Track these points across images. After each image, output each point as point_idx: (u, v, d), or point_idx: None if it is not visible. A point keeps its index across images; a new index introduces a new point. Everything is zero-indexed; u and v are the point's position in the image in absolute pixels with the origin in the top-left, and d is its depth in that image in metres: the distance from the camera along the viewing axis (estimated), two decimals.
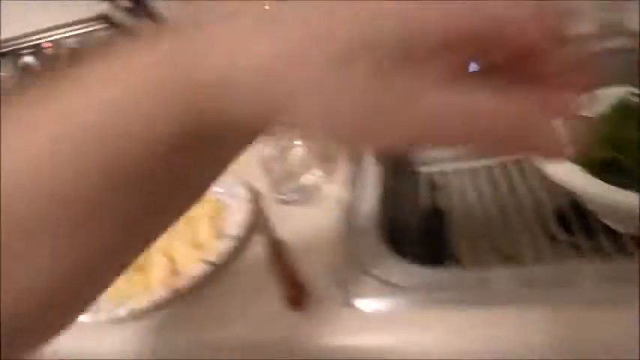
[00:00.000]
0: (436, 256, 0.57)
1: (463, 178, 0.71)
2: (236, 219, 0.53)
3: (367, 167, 0.58)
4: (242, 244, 0.51)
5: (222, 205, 0.56)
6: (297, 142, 0.56)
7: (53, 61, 0.83)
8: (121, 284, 0.48)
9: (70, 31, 0.81)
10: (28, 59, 0.82)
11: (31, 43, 0.83)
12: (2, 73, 0.86)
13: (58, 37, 0.82)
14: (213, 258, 0.49)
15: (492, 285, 0.40)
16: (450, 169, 0.72)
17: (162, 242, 0.50)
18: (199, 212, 0.54)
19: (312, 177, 0.55)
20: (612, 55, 0.57)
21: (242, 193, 0.56)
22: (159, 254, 0.51)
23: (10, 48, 0.84)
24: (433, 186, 0.71)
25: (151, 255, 0.51)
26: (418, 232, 0.64)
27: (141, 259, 0.49)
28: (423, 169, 0.74)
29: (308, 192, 0.56)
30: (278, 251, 0.49)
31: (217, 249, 0.50)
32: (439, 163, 0.74)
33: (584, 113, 0.38)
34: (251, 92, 0.14)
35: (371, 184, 0.56)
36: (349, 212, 0.53)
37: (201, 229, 0.53)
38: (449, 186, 0.71)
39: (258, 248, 0.51)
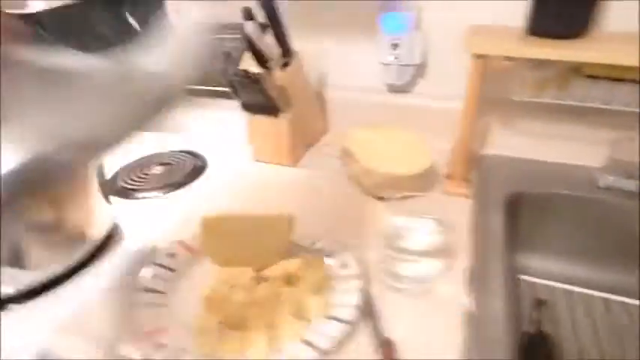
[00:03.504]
0: None
1: (574, 302, 0.62)
2: (346, 299, 0.45)
3: (490, 268, 0.50)
4: (350, 329, 0.43)
5: (332, 276, 0.48)
6: (423, 226, 0.50)
7: None
8: (215, 341, 0.42)
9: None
10: None
11: None
12: None
13: None
14: (319, 340, 0.41)
15: None
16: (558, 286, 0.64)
17: (265, 306, 0.44)
18: (308, 280, 0.47)
19: (430, 267, 0.48)
20: None
21: (353, 266, 0.48)
22: (259, 318, 0.43)
23: None
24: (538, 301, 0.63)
25: (250, 316, 0.43)
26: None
27: (239, 318, 0.44)
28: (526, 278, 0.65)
29: (424, 283, 0.49)
30: (387, 352, 0.41)
31: (324, 331, 0.42)
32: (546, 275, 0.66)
33: None
34: None
35: (495, 292, 0.48)
36: (472, 320, 0.44)
37: (308, 301, 0.45)
38: (556, 306, 0.63)
39: (363, 338, 0.43)
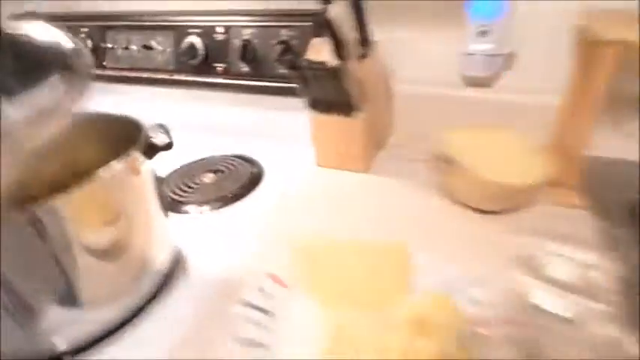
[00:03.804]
0: None
1: None
2: (493, 352, 0.35)
3: None
4: None
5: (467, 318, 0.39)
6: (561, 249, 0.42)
7: (222, 47, 0.71)
8: None
9: (250, 21, 0.70)
10: (194, 39, 0.71)
11: (203, 24, 0.72)
12: (157, 46, 0.74)
13: (233, 24, 0.71)
14: None
15: None
16: None
17: None
18: (443, 326, 0.37)
19: (579, 302, 0.40)
20: None
21: (487, 304, 0.39)
22: None
23: (179, 23, 0.74)
24: None
25: None
26: None
27: None
28: None
29: (575, 322, 0.40)
30: None
31: None
32: None
33: None
34: None
35: None
36: None
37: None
38: None
39: None
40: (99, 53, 0.79)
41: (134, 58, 0.77)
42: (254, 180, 0.64)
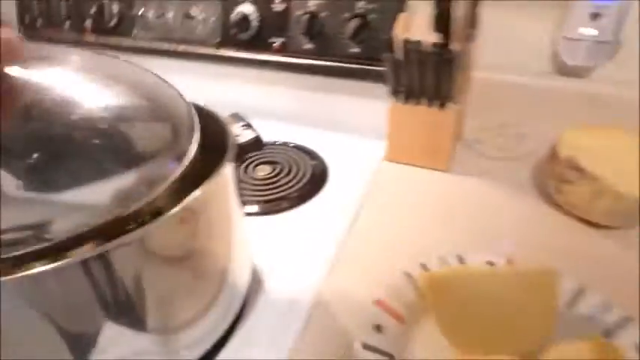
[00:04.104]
0: None
1: None
2: None
3: None
4: None
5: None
6: None
7: (281, 19, 0.60)
8: None
9: None
10: (247, 8, 0.60)
11: None
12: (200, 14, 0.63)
13: None
14: None
15: None
16: None
17: None
18: None
19: None
20: None
21: None
22: None
23: None
24: None
25: None
26: None
27: None
28: None
29: None
30: None
31: None
32: None
33: None
34: None
35: None
36: None
37: None
38: None
39: None
40: (126, 20, 0.68)
41: (169, 28, 0.66)
42: (318, 177, 0.56)
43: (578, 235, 0.45)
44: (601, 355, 0.32)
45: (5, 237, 0.19)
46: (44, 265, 0.20)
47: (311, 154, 0.60)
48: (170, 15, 0.65)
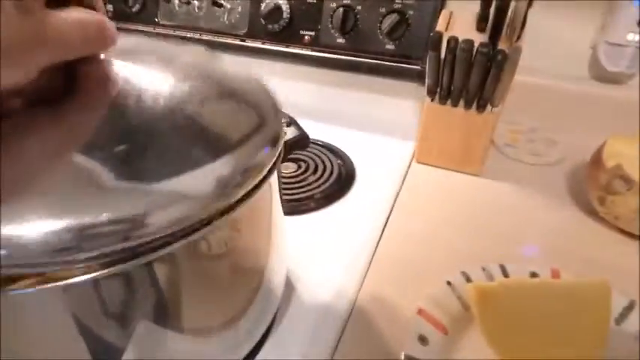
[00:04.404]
0: None
1: None
2: None
3: None
4: None
5: None
6: None
7: (314, 11, 0.58)
8: None
9: None
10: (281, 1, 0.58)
11: None
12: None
13: None
14: None
15: None
16: None
17: None
18: None
19: None
20: None
21: None
22: None
23: None
24: None
25: None
26: None
27: None
28: None
29: None
30: None
31: None
32: None
33: None
34: None
35: None
36: None
37: None
38: None
39: None
40: (150, 6, 0.66)
41: (194, 16, 0.64)
42: (345, 177, 0.54)
43: (621, 248, 0.44)
44: None
45: (96, 231, 0.17)
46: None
47: (337, 153, 0.58)
48: (196, 2, 0.63)
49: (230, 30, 0.62)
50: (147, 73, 0.25)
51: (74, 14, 0.19)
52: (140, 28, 0.67)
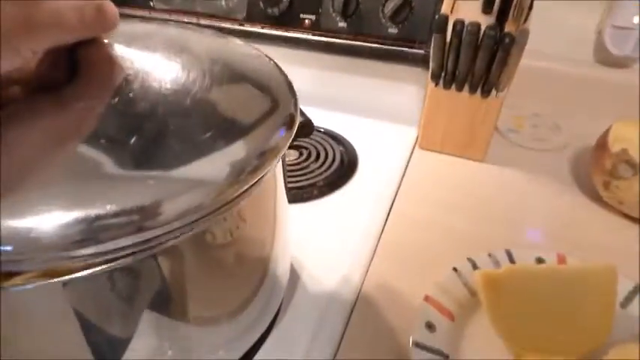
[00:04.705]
0: None
1: None
2: None
3: None
4: None
5: None
6: None
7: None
8: None
9: None
10: None
11: None
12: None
13: None
14: None
15: None
16: None
17: None
18: None
19: None
20: None
21: None
22: None
23: None
24: None
25: None
26: None
27: None
28: None
29: None
30: None
31: None
32: None
33: None
34: None
35: None
36: None
37: None
38: None
39: None
40: None
41: (191, 0, 0.63)
42: (348, 163, 0.54)
43: (625, 233, 0.44)
44: None
45: (109, 222, 0.16)
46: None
47: (339, 140, 0.57)
48: None
49: (228, 14, 0.61)
50: (154, 57, 0.24)
51: None
52: (134, 12, 0.65)
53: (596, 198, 0.47)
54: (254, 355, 0.32)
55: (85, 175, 0.17)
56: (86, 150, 0.18)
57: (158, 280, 0.23)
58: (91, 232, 0.16)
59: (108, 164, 0.18)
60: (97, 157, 0.18)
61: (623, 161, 0.42)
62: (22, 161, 0.17)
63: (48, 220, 0.16)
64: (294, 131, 0.25)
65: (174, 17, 0.64)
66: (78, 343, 0.21)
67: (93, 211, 0.16)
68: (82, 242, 0.16)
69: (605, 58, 0.57)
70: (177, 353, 0.25)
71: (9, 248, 0.15)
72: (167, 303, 0.24)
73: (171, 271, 0.22)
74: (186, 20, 0.64)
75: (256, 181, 0.22)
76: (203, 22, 0.63)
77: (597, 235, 0.44)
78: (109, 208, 0.16)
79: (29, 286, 0.17)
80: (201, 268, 0.25)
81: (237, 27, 0.61)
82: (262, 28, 0.59)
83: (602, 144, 0.45)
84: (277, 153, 0.23)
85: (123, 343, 0.23)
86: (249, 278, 0.29)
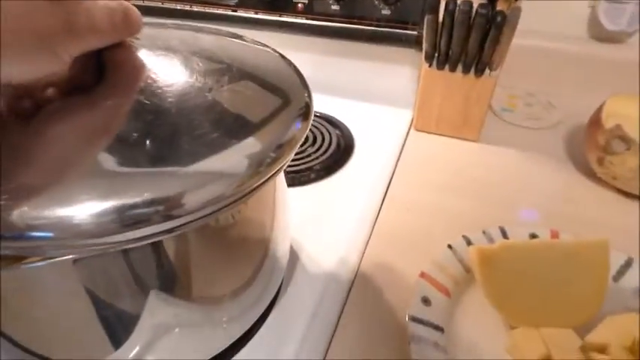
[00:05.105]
0: None
1: None
2: None
3: None
4: None
5: None
6: None
7: None
8: None
9: None
10: None
11: None
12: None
13: None
14: None
15: None
16: None
17: None
18: None
19: None
20: None
21: None
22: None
23: None
24: None
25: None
26: None
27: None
28: None
29: None
30: None
31: None
32: None
33: None
34: None
35: None
36: None
37: None
38: None
39: None
40: None
41: None
42: (345, 147, 0.54)
43: (619, 207, 0.44)
44: None
45: (132, 213, 0.18)
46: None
47: (335, 124, 0.57)
48: None
49: (221, 0, 0.61)
50: (173, 58, 0.25)
51: (101, 2, 0.19)
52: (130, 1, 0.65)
53: (591, 174, 0.48)
54: (258, 330, 0.33)
55: (115, 169, 0.19)
56: (116, 146, 0.19)
57: (167, 261, 0.24)
58: (123, 220, 0.17)
59: (136, 159, 0.19)
60: (126, 153, 0.19)
61: (616, 137, 0.42)
62: (62, 156, 0.19)
63: (84, 210, 0.17)
64: (310, 123, 0.26)
65: (167, 5, 0.64)
66: (91, 318, 0.23)
67: (125, 202, 0.18)
68: (115, 230, 0.17)
69: (599, 34, 0.57)
70: (185, 329, 0.26)
71: (50, 234, 0.17)
72: (175, 282, 0.25)
73: (179, 253, 0.23)
74: (179, 8, 0.64)
75: (275, 172, 0.23)
76: (196, 8, 0.63)
77: (592, 210, 0.44)
78: (141, 197, 0.18)
79: (33, 265, 0.19)
80: (205, 250, 0.26)
81: (230, 13, 0.61)
82: (256, 13, 0.59)
83: (595, 120, 0.46)
84: (295, 144, 0.24)
85: (133, 319, 0.24)
86: (250, 259, 0.30)
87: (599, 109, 0.46)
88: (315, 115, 0.59)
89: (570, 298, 0.33)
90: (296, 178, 0.49)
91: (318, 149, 0.53)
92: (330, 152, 0.53)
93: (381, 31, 0.54)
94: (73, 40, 0.18)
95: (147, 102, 0.21)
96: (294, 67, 0.30)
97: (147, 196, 0.18)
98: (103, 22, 0.19)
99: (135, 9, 0.21)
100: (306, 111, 0.26)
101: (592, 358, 0.30)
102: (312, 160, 0.52)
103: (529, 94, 0.62)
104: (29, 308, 0.23)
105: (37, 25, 0.16)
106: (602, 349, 0.31)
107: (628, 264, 0.37)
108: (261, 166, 0.21)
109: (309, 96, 0.27)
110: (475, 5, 0.41)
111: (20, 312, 0.23)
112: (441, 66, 0.48)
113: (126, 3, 0.21)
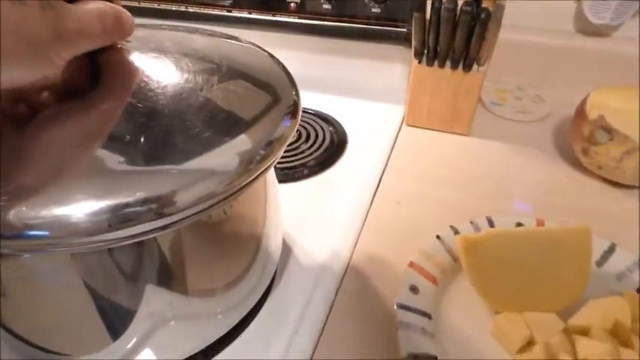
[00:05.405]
0: None
1: None
2: None
3: None
4: None
5: None
6: None
7: None
8: None
9: None
10: None
11: None
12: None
13: None
14: None
15: None
16: None
17: None
18: None
19: None
20: None
21: None
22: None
23: None
24: None
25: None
26: None
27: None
28: None
29: None
30: None
31: None
32: None
33: None
34: None
35: None
36: None
37: None
38: None
39: None
40: None
41: None
42: (338, 143, 0.55)
43: (604, 196, 0.46)
44: (635, 309, 0.32)
45: (125, 211, 0.19)
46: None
47: (329, 120, 0.59)
48: None
49: (215, 0, 0.62)
50: (164, 60, 0.25)
51: (92, 6, 0.20)
52: (123, 2, 0.66)
53: (577, 164, 0.49)
54: (253, 319, 0.34)
55: (109, 168, 0.20)
56: (110, 146, 0.20)
57: (162, 256, 0.25)
58: (118, 219, 0.18)
59: (130, 158, 0.20)
60: (120, 153, 0.20)
61: (599, 127, 0.43)
62: (58, 158, 0.19)
63: (80, 209, 0.18)
64: (298, 120, 0.26)
65: (163, 7, 0.65)
66: (89, 310, 0.24)
67: (119, 201, 0.18)
68: (110, 228, 0.18)
69: (585, 28, 0.58)
70: (179, 319, 0.28)
71: (47, 233, 0.18)
72: (170, 276, 0.26)
73: (173, 248, 0.24)
74: (174, 9, 0.65)
75: (265, 169, 0.24)
76: (191, 9, 0.64)
77: (578, 199, 0.46)
78: (134, 196, 0.19)
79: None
80: (198, 245, 0.27)
81: (224, 13, 0.62)
82: (250, 13, 0.60)
83: (580, 112, 0.47)
84: (284, 142, 0.25)
85: (130, 312, 0.25)
86: (243, 252, 0.31)
87: (584, 101, 0.47)
88: (309, 113, 0.60)
89: (553, 283, 0.34)
90: (290, 174, 0.50)
91: (311, 146, 0.54)
92: (324, 148, 0.54)
93: (372, 28, 0.55)
94: (64, 45, 0.19)
95: (139, 104, 0.22)
96: (283, 66, 0.31)
97: (140, 195, 0.19)
98: (92, 26, 0.20)
99: (126, 12, 0.22)
100: (294, 109, 0.27)
101: (574, 340, 0.31)
102: (306, 156, 0.53)
103: (519, 88, 0.63)
104: (29, 301, 0.24)
105: (29, 33, 0.17)
106: (584, 332, 0.32)
107: (611, 250, 0.38)
108: (251, 163, 0.22)
109: (297, 94, 0.28)
110: (460, 3, 0.42)
111: (20, 304, 0.24)
112: (430, 62, 0.50)
113: (117, 7, 0.21)
